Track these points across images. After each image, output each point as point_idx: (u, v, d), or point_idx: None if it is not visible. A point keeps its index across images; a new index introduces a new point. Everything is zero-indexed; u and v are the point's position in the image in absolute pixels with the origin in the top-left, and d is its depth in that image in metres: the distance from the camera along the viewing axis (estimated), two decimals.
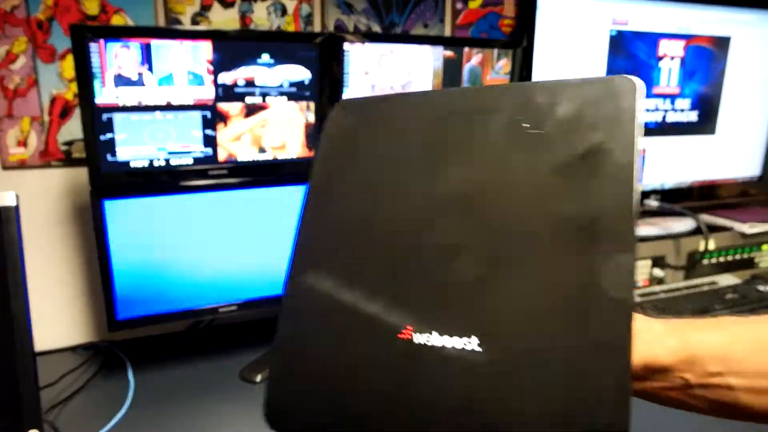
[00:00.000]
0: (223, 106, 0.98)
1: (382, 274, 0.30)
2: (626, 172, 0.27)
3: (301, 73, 1.02)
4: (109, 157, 0.92)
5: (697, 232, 1.34)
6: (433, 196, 0.30)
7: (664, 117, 1.43)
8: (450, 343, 0.27)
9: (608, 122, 0.28)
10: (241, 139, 1.01)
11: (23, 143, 1.03)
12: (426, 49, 1.11)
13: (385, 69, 1.08)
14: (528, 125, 0.29)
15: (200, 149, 0.99)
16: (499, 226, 0.28)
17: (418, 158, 0.32)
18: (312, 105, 1.05)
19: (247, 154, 1.02)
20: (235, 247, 1.00)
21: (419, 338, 0.27)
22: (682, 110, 1.45)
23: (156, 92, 0.94)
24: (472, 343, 0.26)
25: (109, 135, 0.92)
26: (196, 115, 0.97)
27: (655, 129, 1.43)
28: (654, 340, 0.28)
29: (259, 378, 0.98)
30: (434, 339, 0.27)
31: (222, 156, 1.00)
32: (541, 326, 0.25)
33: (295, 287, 0.32)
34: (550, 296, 0.26)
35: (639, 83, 0.28)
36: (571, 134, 0.28)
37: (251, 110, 1.01)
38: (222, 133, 1.00)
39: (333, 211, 0.33)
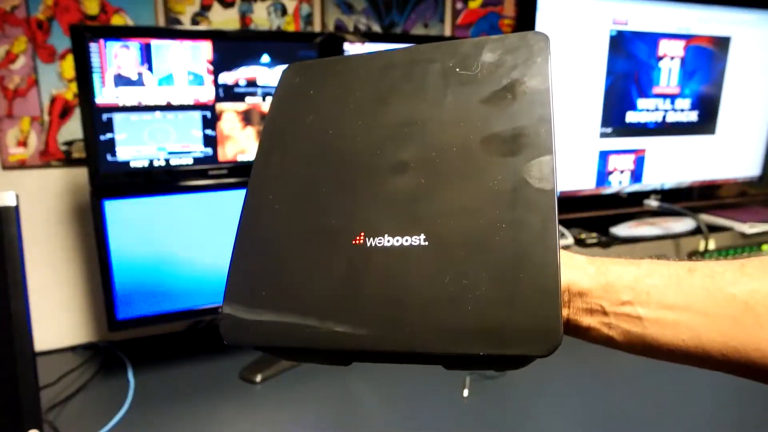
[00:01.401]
0: (227, 106, 0.98)
1: (336, 194, 0.33)
2: (544, 95, 0.32)
3: None
4: (109, 157, 0.92)
5: (697, 232, 1.34)
6: (379, 128, 0.34)
7: (664, 117, 1.43)
8: (400, 242, 0.30)
9: (525, 62, 0.33)
10: (241, 139, 1.01)
11: (23, 143, 1.03)
12: None
13: None
14: (458, 69, 0.34)
15: (200, 149, 0.99)
16: (438, 144, 0.32)
17: (364, 102, 0.35)
18: None
19: (247, 154, 1.03)
20: None
21: (372, 242, 0.30)
22: (682, 110, 1.45)
23: (156, 92, 0.94)
24: (419, 239, 0.30)
25: (109, 135, 0.92)
26: (196, 115, 0.97)
27: (655, 129, 1.43)
28: (576, 267, 0.31)
29: (259, 378, 0.98)
30: (385, 241, 0.30)
31: (226, 156, 1.00)
32: (478, 217, 0.29)
33: (250, 213, 0.35)
34: (484, 194, 0.30)
35: (548, 35, 0.34)
36: (495, 73, 0.33)
37: (251, 110, 1.01)
38: (229, 134, 1.00)
39: (286, 153, 0.36)
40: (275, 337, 0.30)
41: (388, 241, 0.30)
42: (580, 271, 0.30)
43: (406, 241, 0.30)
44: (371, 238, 0.30)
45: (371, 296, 0.29)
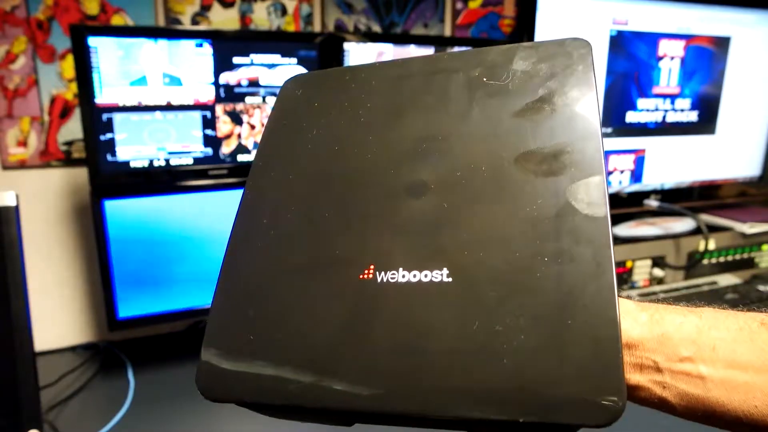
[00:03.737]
0: (228, 107, 0.98)
1: (341, 219, 0.28)
2: (589, 107, 0.27)
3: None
4: (109, 157, 0.92)
5: (697, 232, 1.34)
6: (394, 143, 0.29)
7: (664, 117, 1.43)
8: (417, 277, 0.25)
9: (565, 71, 0.29)
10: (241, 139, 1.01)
11: (23, 143, 1.03)
12: (426, 49, 1.11)
13: None
14: (486, 78, 0.30)
15: (200, 149, 0.99)
16: (464, 163, 0.27)
17: (377, 115, 0.31)
18: None
19: (247, 154, 1.03)
20: None
21: (383, 276, 0.25)
22: (682, 110, 1.45)
23: (156, 92, 0.94)
24: (441, 274, 0.25)
25: (108, 135, 0.92)
26: (196, 115, 0.97)
27: (655, 129, 1.43)
28: (624, 314, 0.26)
29: None
30: (400, 276, 0.25)
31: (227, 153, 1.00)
32: (514, 249, 0.24)
33: (241, 238, 0.30)
34: (521, 221, 0.25)
35: (590, 41, 0.30)
36: (530, 83, 0.29)
37: (252, 110, 1.01)
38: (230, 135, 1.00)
39: (286, 171, 0.31)
40: (263, 393, 0.25)
41: (403, 276, 0.25)
42: (629, 318, 0.26)
43: (425, 276, 0.25)
44: (382, 273, 0.25)
45: (380, 344, 0.24)
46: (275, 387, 0.25)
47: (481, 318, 0.23)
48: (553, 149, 0.26)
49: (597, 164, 0.25)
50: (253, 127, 1.02)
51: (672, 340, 0.25)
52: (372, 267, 0.26)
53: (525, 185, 0.26)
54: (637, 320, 0.26)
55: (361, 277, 0.26)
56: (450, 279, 0.24)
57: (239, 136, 1.01)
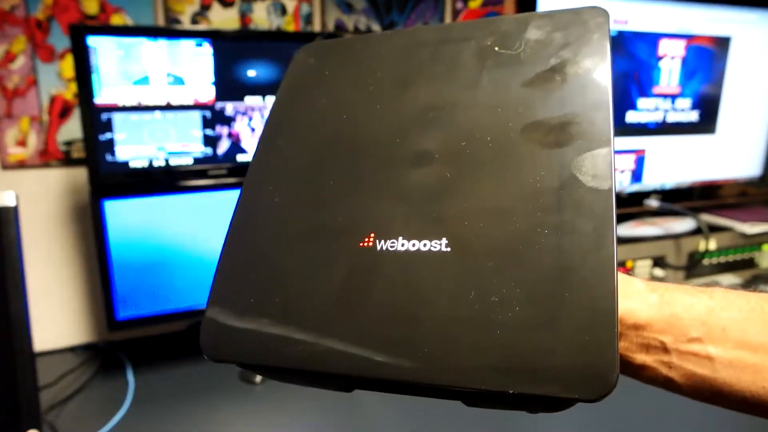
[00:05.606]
0: (227, 106, 0.98)
1: (345, 188, 0.28)
2: (601, 77, 0.27)
3: None
4: (108, 157, 0.92)
5: (697, 232, 1.34)
6: (401, 113, 0.29)
7: (664, 117, 1.43)
8: (417, 246, 0.25)
9: (579, 40, 0.28)
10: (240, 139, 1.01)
11: (22, 143, 1.03)
12: None
13: None
14: (497, 48, 0.29)
15: (200, 149, 0.99)
16: (469, 132, 0.27)
17: (385, 84, 0.31)
18: None
19: (246, 154, 1.02)
20: None
21: (382, 245, 0.25)
22: (683, 110, 1.44)
23: (156, 92, 0.93)
24: (440, 244, 0.25)
25: (108, 135, 0.92)
26: (196, 115, 0.97)
27: (656, 129, 1.43)
28: (633, 294, 0.26)
29: (258, 378, 0.97)
30: (399, 244, 0.25)
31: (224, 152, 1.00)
32: (515, 220, 0.24)
33: (246, 205, 0.30)
34: (523, 192, 0.25)
35: (607, 10, 0.29)
36: (542, 53, 0.28)
37: (252, 110, 1.01)
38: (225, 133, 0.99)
39: (293, 140, 0.31)
40: (262, 354, 0.25)
41: (402, 245, 0.25)
42: (638, 298, 0.25)
43: (424, 245, 0.25)
44: (382, 241, 0.25)
45: (377, 311, 0.24)
46: (273, 350, 0.25)
47: (477, 288, 0.23)
48: (560, 120, 0.26)
49: (605, 136, 0.25)
50: (253, 129, 1.01)
51: (681, 320, 0.25)
52: (372, 235, 0.26)
53: (530, 157, 0.25)
54: (647, 301, 0.25)
55: (361, 245, 0.26)
56: (448, 249, 0.24)
57: (238, 136, 1.01)
